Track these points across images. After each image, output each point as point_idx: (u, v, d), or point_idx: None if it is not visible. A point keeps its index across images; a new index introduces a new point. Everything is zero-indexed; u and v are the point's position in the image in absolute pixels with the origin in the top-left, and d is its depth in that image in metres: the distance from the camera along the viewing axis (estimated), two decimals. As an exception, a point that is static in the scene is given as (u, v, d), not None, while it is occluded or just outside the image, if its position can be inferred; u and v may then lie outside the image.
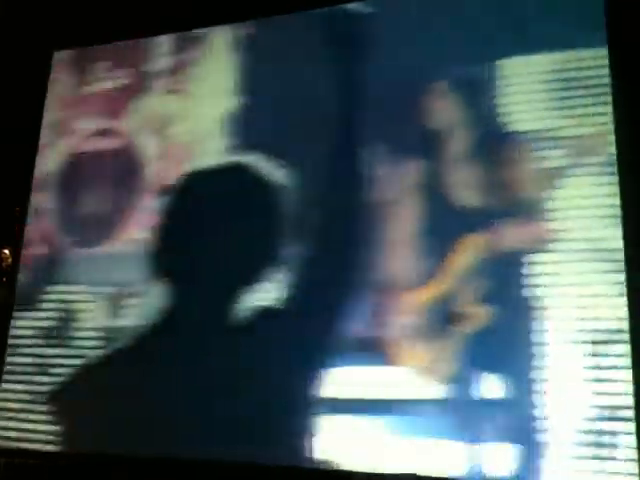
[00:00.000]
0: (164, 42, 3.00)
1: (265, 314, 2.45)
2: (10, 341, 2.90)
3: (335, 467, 2.25)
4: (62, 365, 2.77)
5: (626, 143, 2.24)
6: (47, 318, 2.86)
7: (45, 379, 2.78)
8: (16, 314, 2.92)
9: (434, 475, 2.18)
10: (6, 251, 3.16)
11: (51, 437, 2.70)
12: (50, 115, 3.16)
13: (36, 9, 3.24)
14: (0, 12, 3.31)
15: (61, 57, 3.20)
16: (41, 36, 3.24)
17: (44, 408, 2.75)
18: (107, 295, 2.77)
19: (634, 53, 2.32)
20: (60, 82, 3.18)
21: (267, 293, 2.48)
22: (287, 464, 2.32)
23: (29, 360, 2.84)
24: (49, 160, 3.08)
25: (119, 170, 2.90)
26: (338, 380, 2.33)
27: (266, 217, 2.56)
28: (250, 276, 2.52)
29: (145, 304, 2.69)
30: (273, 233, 2.53)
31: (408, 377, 2.27)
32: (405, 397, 2.27)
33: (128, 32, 3.02)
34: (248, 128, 2.73)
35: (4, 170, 3.15)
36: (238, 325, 2.51)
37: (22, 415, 2.78)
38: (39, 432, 2.73)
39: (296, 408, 2.32)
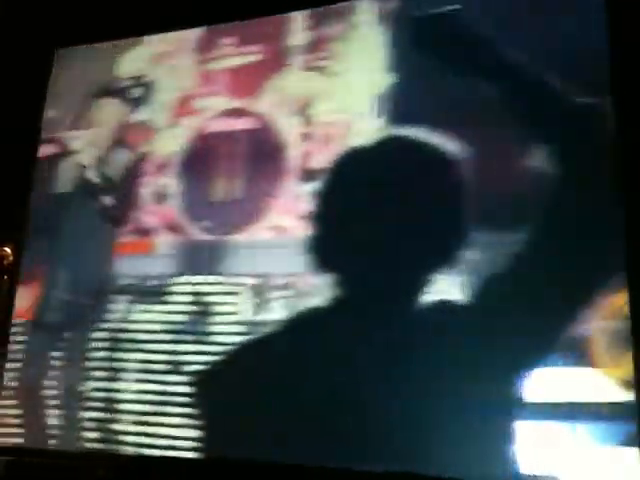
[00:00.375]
0: (299, 17, 2.80)
1: (448, 309, 2.24)
2: (133, 335, 2.68)
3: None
4: (197, 363, 2.56)
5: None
6: (178, 312, 2.64)
7: (179, 378, 2.56)
8: (141, 307, 2.70)
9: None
10: (7, 249, 3.07)
11: (191, 443, 2.48)
12: (164, 95, 2.94)
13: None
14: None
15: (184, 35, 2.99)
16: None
17: (180, 410, 2.53)
18: (249, 287, 2.55)
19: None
20: (177, 60, 2.97)
21: (450, 285, 2.28)
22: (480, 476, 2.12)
23: (160, 357, 2.62)
24: (168, 141, 2.86)
25: (256, 152, 2.68)
26: (536, 383, 2.15)
27: (448, 196, 2.35)
28: (431, 265, 2.31)
29: (296, 297, 2.48)
30: (457, 214, 2.33)
31: (606, 380, 2.09)
32: (604, 400, 2.10)
33: (262, 7, 2.82)
34: (404, 106, 2.53)
35: (4, 167, 3.09)
36: (414, 322, 2.30)
37: (153, 419, 2.56)
38: (178, 438, 2.51)
39: (490, 414, 2.11)
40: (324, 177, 2.57)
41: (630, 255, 2.10)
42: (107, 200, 2.84)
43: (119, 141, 2.93)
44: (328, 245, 2.54)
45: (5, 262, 3.11)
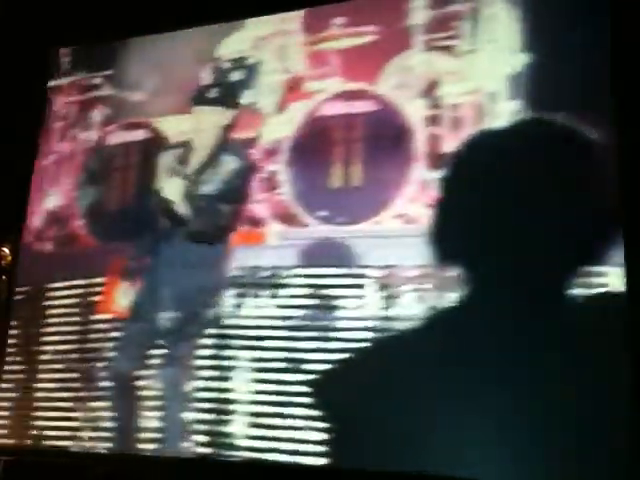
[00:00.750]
0: (418, -6, 2.64)
1: (608, 302, 2.06)
2: (244, 332, 2.50)
3: None
4: (318, 361, 2.37)
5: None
6: (294, 306, 2.46)
7: (298, 377, 2.38)
8: (253, 301, 2.52)
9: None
10: (5, 249, 3.03)
11: (316, 447, 2.29)
12: (270, 78, 2.78)
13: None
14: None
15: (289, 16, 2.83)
16: None
17: (301, 412, 2.35)
18: (375, 280, 2.38)
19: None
20: (283, 41, 2.81)
21: (605, 277, 2.11)
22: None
23: (276, 355, 2.43)
24: (277, 126, 2.69)
25: (376, 136, 2.50)
26: None
27: (591, 186, 2.17)
28: (581, 256, 2.13)
29: (426, 291, 2.30)
30: (602, 205, 2.14)
31: None
32: None
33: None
34: (541, 88, 2.37)
35: (3, 169, 3.04)
36: (563, 319, 2.12)
37: (271, 421, 2.38)
38: (300, 441, 2.32)
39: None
40: (453, 162, 2.41)
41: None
42: (211, 188, 2.67)
43: (224, 128, 2.78)
44: (456, 236, 2.37)
45: (3, 262, 3.08)
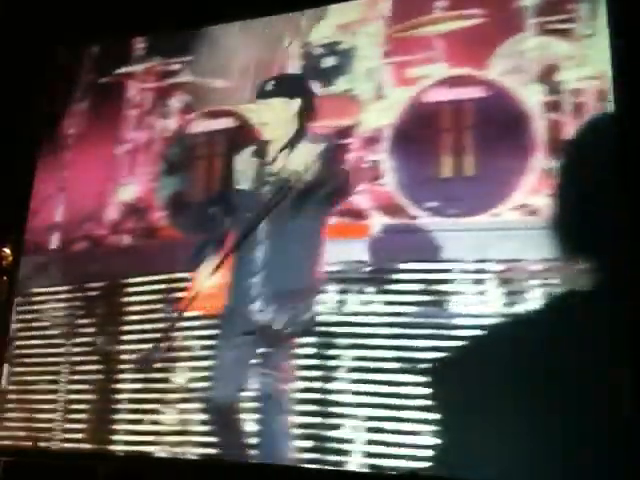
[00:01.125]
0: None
1: None
2: (349, 329, 2.35)
3: None
4: (433, 360, 2.23)
5: None
6: (405, 302, 2.31)
7: (411, 378, 2.22)
8: (357, 297, 2.37)
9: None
10: (7, 250, 2.98)
11: (431, 452, 2.14)
12: (365, 64, 2.64)
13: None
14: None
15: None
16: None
17: (416, 415, 2.19)
18: (495, 274, 2.23)
19: None
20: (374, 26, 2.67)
21: None
22: None
23: (386, 354, 2.28)
24: (377, 113, 2.55)
25: (490, 123, 2.36)
26: None
27: None
28: None
29: (551, 286, 2.16)
30: None
31: None
32: None
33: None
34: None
35: (3, 169, 3.00)
36: None
37: (384, 424, 2.22)
38: (415, 446, 2.17)
39: None
40: (575, 150, 2.28)
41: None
42: (307, 179, 2.52)
43: (311, 116, 2.64)
44: (581, 228, 2.23)
45: (4, 263, 2.99)
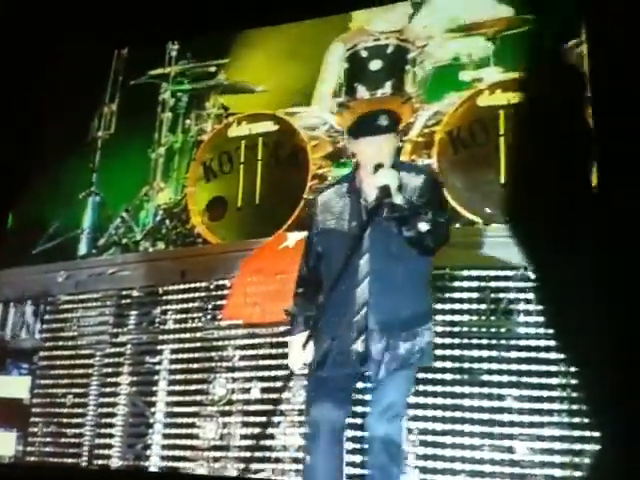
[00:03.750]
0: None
1: None
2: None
3: None
4: (493, 372, 2.12)
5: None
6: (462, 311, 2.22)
7: (471, 390, 2.12)
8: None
9: None
10: None
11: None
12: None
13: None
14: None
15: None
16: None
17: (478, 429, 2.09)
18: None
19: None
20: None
21: None
22: None
23: (445, 365, 2.18)
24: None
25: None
26: None
27: None
28: None
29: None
30: None
31: None
32: None
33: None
34: None
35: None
36: None
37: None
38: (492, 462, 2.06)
39: None
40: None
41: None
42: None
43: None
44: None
45: None
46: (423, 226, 1.73)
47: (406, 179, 1.80)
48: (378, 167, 1.76)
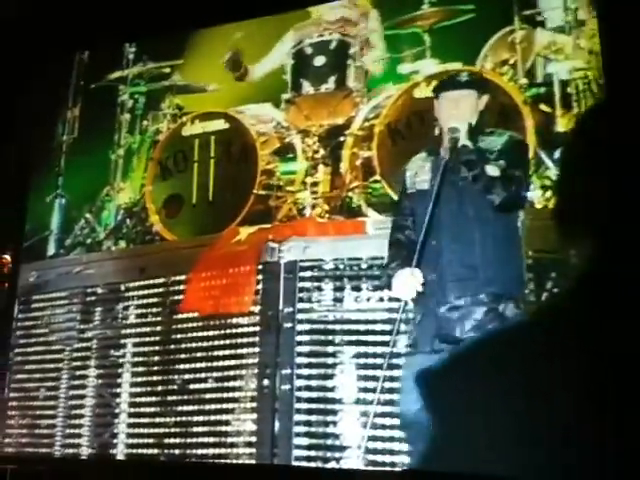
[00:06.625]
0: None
1: None
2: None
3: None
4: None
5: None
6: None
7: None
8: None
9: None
10: (7, 256, 2.98)
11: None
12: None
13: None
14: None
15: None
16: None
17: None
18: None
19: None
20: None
21: None
22: None
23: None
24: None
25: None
26: None
27: None
28: None
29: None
30: None
31: None
32: None
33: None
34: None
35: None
36: None
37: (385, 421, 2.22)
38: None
39: None
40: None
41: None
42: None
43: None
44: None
45: (5, 269, 3.00)
46: (492, 170, 1.78)
47: (490, 141, 1.85)
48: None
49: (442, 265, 1.82)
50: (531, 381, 1.86)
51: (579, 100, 2.27)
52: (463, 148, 1.78)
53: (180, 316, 2.59)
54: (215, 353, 2.52)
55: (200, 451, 2.45)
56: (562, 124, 2.26)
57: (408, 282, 1.82)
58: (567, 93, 2.29)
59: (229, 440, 2.42)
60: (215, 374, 2.49)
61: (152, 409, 2.54)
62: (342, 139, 2.53)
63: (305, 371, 2.34)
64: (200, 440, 2.45)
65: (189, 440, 2.47)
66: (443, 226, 1.84)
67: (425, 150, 1.96)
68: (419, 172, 1.93)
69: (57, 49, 3.12)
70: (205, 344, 2.53)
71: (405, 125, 2.46)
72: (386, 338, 2.23)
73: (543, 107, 2.30)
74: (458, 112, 1.83)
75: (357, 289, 2.35)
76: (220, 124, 2.75)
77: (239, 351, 2.47)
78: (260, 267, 2.49)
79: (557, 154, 2.23)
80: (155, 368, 2.58)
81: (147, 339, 2.62)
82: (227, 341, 2.51)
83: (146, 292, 2.66)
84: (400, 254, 1.91)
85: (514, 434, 1.84)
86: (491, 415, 1.88)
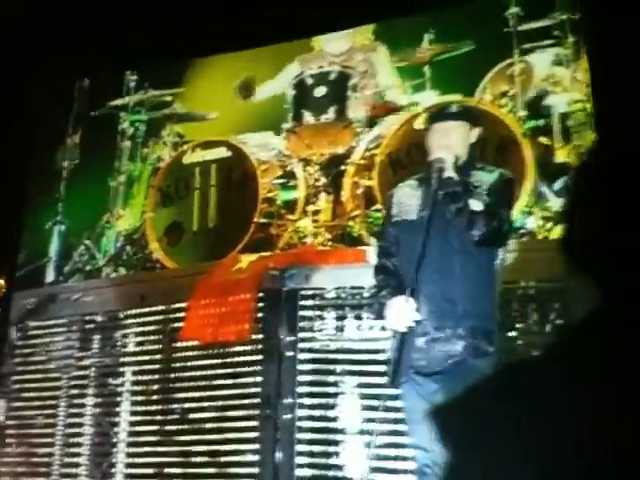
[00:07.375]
0: None
1: None
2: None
3: None
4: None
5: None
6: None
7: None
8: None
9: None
10: (1, 281, 2.94)
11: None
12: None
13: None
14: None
15: None
16: None
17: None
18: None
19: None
20: None
21: None
22: None
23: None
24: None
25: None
26: None
27: None
28: None
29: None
30: None
31: None
32: None
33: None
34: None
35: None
36: None
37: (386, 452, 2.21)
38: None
39: None
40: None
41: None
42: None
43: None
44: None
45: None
46: (476, 204, 1.76)
47: (479, 176, 1.85)
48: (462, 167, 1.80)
49: (423, 296, 1.82)
50: (533, 416, 1.87)
51: (578, 132, 2.31)
52: (448, 180, 1.78)
53: (180, 344, 2.58)
54: (215, 382, 2.51)
55: (200, 482, 2.45)
56: (561, 155, 2.30)
57: (402, 312, 1.82)
58: (566, 125, 2.33)
59: (230, 470, 2.41)
60: (215, 403, 2.48)
61: (151, 438, 2.53)
62: (343, 168, 2.56)
63: (307, 400, 2.34)
64: (200, 471, 2.44)
65: (189, 470, 2.46)
66: (427, 257, 1.83)
67: (415, 178, 1.97)
68: (406, 200, 1.92)
69: (57, 49, 3.12)
70: (205, 373, 2.52)
71: (406, 155, 2.49)
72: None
73: (542, 139, 2.34)
74: (447, 143, 1.84)
75: (359, 318, 2.36)
76: (221, 152, 2.77)
77: (240, 380, 2.47)
78: (261, 295, 2.51)
79: (557, 185, 2.27)
80: (154, 397, 2.56)
81: (146, 367, 2.61)
82: (228, 370, 2.50)
83: (146, 320, 2.65)
84: (389, 282, 1.90)
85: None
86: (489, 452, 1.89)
